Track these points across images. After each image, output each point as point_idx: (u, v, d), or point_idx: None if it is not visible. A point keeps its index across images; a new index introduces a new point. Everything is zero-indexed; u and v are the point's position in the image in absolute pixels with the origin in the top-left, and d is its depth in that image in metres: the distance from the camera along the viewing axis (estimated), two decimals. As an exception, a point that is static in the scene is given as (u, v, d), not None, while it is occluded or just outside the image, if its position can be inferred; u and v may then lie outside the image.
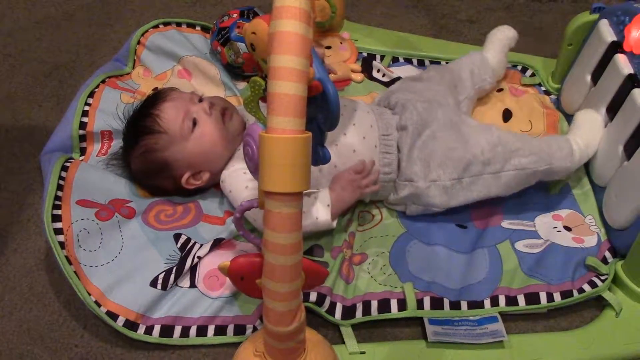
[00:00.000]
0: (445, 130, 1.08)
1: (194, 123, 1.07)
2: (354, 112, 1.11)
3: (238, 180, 1.05)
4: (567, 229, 1.11)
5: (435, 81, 1.21)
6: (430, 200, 1.07)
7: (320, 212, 1.02)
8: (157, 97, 1.11)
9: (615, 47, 1.11)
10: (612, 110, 1.10)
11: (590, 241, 1.09)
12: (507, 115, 1.29)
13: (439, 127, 1.09)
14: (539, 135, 1.24)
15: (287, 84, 0.62)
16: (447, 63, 1.45)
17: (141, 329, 0.96)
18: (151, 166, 1.08)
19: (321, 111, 0.77)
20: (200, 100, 1.11)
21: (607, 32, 1.14)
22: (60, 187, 1.05)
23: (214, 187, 1.14)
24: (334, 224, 1.04)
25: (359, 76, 1.40)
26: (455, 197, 1.07)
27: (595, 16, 1.21)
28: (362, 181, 1.05)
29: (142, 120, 1.08)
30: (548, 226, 1.12)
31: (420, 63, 1.46)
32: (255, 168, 0.72)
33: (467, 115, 1.20)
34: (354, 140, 1.08)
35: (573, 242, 1.08)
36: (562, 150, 1.09)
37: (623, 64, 1.08)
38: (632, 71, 1.06)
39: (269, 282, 0.68)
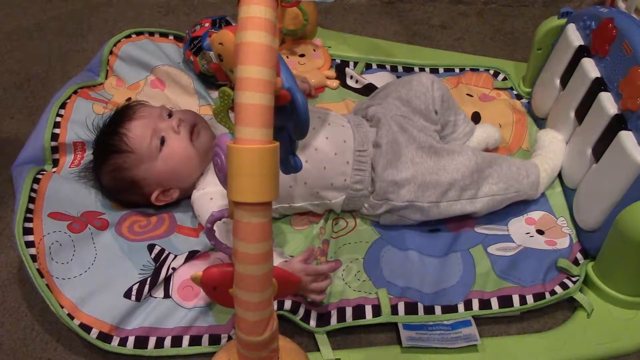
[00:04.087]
0: (423, 154, 1.08)
1: (162, 142, 1.06)
2: (328, 125, 1.10)
3: (205, 206, 1.04)
4: (540, 232, 1.12)
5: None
6: (406, 215, 1.09)
7: None
8: (125, 114, 1.09)
9: (583, 51, 1.13)
10: (581, 113, 1.11)
11: (563, 243, 1.10)
12: (475, 118, 1.30)
13: (416, 149, 1.08)
14: (507, 141, 1.27)
15: (254, 95, 0.63)
16: (420, 69, 1.48)
17: (115, 341, 0.95)
18: (120, 183, 1.07)
19: (291, 120, 0.77)
20: (170, 115, 1.10)
21: (574, 37, 1.16)
22: (32, 200, 1.04)
23: (187, 197, 1.13)
24: None
25: (334, 82, 1.40)
26: (432, 216, 1.09)
27: (563, 21, 1.23)
28: (310, 285, 0.96)
29: (109, 139, 1.07)
30: (522, 231, 1.13)
31: (394, 69, 1.47)
32: (224, 178, 0.72)
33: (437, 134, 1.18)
34: (325, 156, 1.07)
35: (546, 245, 1.09)
36: (529, 177, 1.13)
37: (590, 68, 1.09)
38: (598, 75, 1.08)
39: (240, 291, 0.68)
